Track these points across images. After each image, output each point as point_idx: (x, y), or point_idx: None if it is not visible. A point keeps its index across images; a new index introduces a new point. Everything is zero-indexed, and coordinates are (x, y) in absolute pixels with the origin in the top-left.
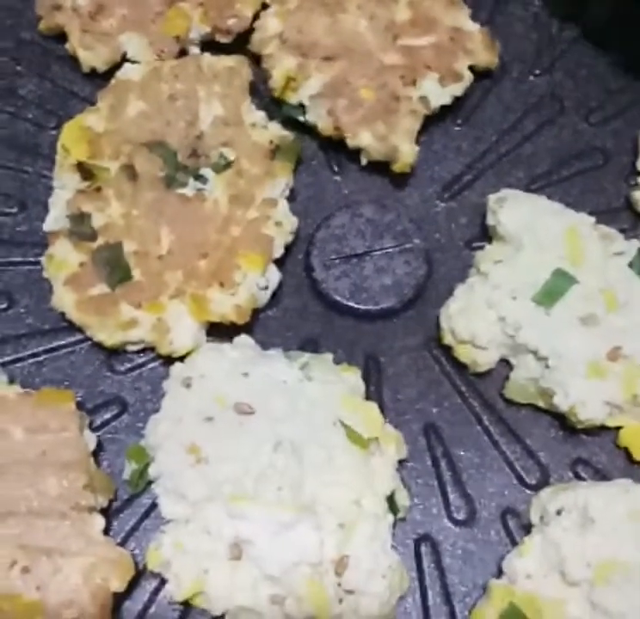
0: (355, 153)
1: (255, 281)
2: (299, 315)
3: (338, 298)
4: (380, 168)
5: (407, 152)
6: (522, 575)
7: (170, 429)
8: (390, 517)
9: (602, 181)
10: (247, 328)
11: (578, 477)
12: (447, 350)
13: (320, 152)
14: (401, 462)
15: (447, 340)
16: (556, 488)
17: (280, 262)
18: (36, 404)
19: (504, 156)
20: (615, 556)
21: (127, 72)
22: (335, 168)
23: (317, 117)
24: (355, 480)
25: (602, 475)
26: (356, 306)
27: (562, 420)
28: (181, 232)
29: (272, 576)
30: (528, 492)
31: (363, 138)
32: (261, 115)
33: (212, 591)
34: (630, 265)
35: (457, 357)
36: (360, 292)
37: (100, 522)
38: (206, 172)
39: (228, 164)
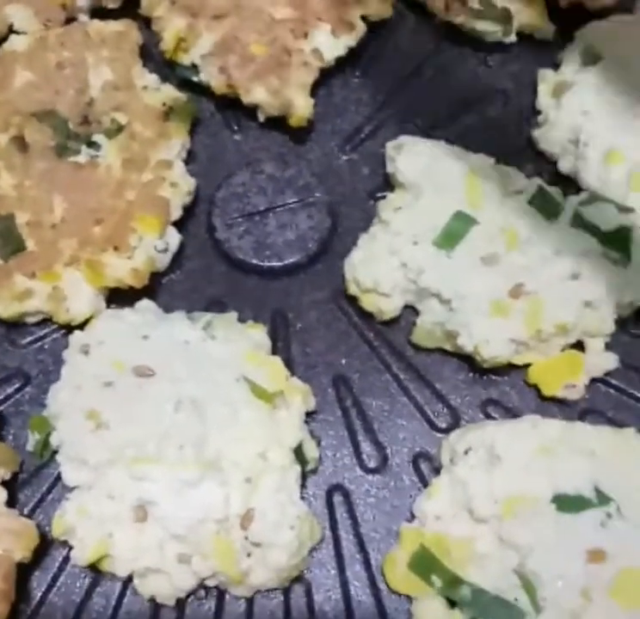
0: (253, 111)
1: (151, 244)
2: (204, 276)
3: (242, 257)
4: (280, 124)
5: (302, 105)
6: (431, 517)
7: (70, 397)
8: (298, 469)
9: (504, 123)
10: (150, 293)
11: (489, 418)
12: (354, 301)
13: (217, 112)
14: (311, 414)
15: (352, 290)
16: (465, 429)
17: (180, 224)
18: None
19: (404, 104)
20: (522, 491)
21: (13, 43)
22: (234, 127)
23: (210, 76)
24: (260, 433)
25: (513, 414)
26: (261, 264)
27: (470, 363)
28: (75, 200)
29: (177, 535)
30: (439, 436)
31: (257, 94)
32: (153, 78)
33: (117, 554)
34: (530, 202)
35: (363, 306)
36: (264, 249)
37: (1, 494)
38: (99, 138)
39: (120, 129)
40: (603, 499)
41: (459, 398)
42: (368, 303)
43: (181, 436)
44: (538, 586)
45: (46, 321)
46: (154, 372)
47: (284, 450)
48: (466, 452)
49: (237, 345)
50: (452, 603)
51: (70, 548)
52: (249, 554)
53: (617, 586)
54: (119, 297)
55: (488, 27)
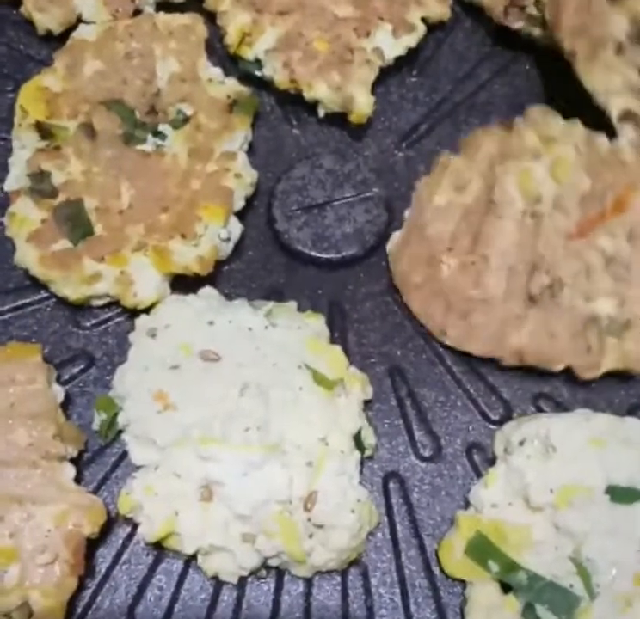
0: (313, 106)
1: (216, 232)
2: (263, 266)
3: (300, 248)
4: (338, 120)
5: (363, 102)
6: (488, 504)
7: (137, 378)
8: (357, 454)
9: None
10: (211, 281)
11: (540, 411)
12: None
13: (277, 106)
14: (367, 403)
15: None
16: (520, 420)
17: (241, 215)
18: (3, 358)
19: (459, 104)
20: (576, 480)
21: (83, 33)
22: (294, 122)
23: (273, 71)
24: (321, 419)
25: (563, 408)
26: (319, 255)
27: None
28: (142, 187)
29: (242, 515)
30: (492, 427)
31: (319, 90)
32: (217, 71)
33: (183, 532)
34: None
35: None
36: (322, 242)
37: (70, 470)
38: (165, 128)
39: (186, 119)
40: None
41: (511, 391)
42: None
43: (246, 419)
44: (592, 573)
45: (110, 304)
46: (219, 357)
47: (344, 436)
48: (521, 443)
49: (298, 332)
50: (506, 588)
51: (135, 525)
52: (311, 535)
53: None
54: (180, 283)
55: (545, 34)
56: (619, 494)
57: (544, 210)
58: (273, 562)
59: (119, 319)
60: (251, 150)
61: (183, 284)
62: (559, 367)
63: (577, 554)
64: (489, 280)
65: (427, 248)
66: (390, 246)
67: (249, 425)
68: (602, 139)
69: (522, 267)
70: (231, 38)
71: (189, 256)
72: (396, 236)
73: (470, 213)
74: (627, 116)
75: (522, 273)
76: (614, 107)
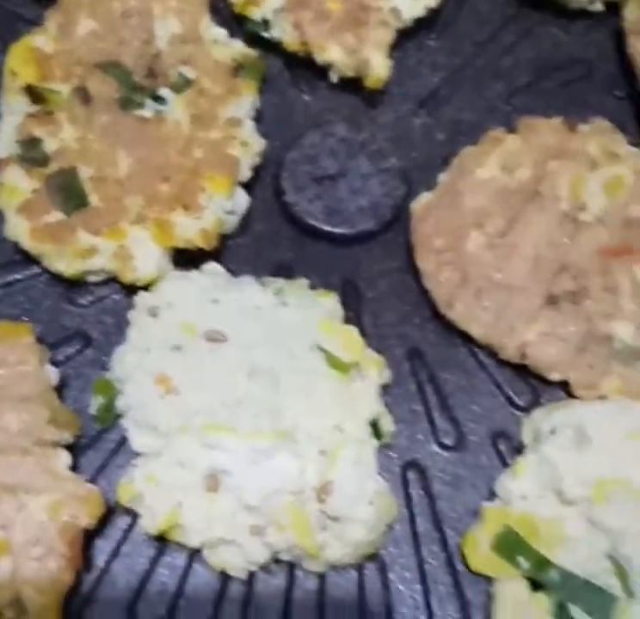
0: (324, 70)
1: (221, 204)
2: (271, 240)
3: (312, 222)
4: (351, 85)
5: (379, 66)
6: (516, 497)
7: (138, 360)
8: (375, 443)
9: (585, 93)
10: (216, 256)
11: (571, 397)
12: None
13: (286, 70)
14: (385, 388)
15: None
16: (550, 407)
17: (248, 186)
18: None
19: (482, 69)
20: (614, 474)
21: None
22: (304, 87)
23: (283, 32)
24: (336, 405)
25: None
26: (331, 229)
27: None
28: (141, 155)
29: (251, 506)
30: (519, 413)
31: (332, 52)
32: (221, 32)
33: (188, 524)
34: None
35: None
36: (335, 215)
37: (65, 458)
38: (165, 92)
39: (188, 83)
40: None
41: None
42: None
43: (256, 405)
44: (630, 572)
45: (107, 280)
46: (226, 338)
47: (360, 423)
48: (553, 432)
49: (310, 312)
50: (535, 585)
51: (135, 516)
52: (324, 528)
53: None
54: (182, 259)
55: None
56: None
57: (586, 218)
58: (284, 556)
59: (116, 296)
60: (258, 117)
61: (185, 259)
62: (556, 377)
63: (614, 551)
64: (514, 267)
65: (459, 217)
66: (416, 204)
67: (258, 412)
68: None
69: (550, 265)
70: None
71: (192, 229)
72: (424, 196)
73: (511, 196)
74: None
75: (548, 271)
76: None
